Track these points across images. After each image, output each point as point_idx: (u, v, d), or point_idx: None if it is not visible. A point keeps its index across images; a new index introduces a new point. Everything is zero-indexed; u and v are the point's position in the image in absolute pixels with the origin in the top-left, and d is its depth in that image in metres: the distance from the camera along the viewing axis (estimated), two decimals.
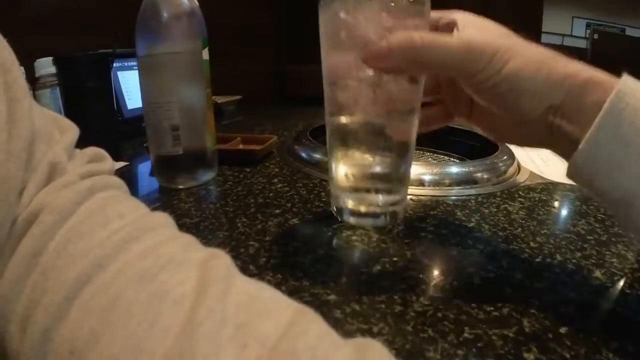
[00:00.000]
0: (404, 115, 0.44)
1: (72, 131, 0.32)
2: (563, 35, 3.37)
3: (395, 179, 0.47)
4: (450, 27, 0.39)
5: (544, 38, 2.50)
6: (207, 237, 0.46)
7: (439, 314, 0.34)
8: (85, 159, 0.31)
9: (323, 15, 0.44)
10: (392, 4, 0.40)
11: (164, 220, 0.28)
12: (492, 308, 0.35)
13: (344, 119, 0.44)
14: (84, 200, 0.26)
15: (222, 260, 0.25)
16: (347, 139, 0.45)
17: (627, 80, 0.31)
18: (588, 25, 3.46)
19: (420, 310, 0.35)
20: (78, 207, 0.26)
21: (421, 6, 0.40)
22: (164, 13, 0.55)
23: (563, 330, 0.33)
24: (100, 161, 0.32)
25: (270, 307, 0.23)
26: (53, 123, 0.31)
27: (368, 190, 0.47)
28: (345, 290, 0.37)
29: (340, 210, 0.49)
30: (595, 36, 2.19)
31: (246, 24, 2.22)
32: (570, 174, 0.35)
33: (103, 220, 0.25)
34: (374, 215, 0.48)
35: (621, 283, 0.40)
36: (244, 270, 0.39)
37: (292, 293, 0.36)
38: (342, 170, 0.46)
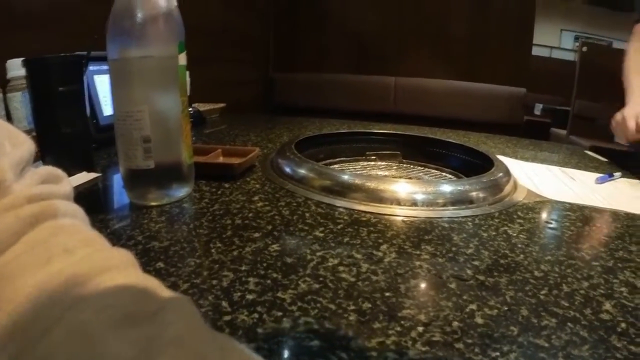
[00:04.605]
0: None
1: (26, 146, 0.27)
2: (552, 47, 3.41)
3: None
4: None
5: (534, 50, 2.51)
6: (176, 264, 0.41)
7: None
8: (37, 179, 0.27)
9: None
10: None
11: (120, 259, 0.24)
12: (497, 353, 0.31)
13: None
14: (27, 230, 0.22)
15: (179, 315, 0.20)
16: None
17: None
18: (576, 38, 3.50)
19: (418, 359, 0.30)
20: (18, 237, 0.22)
21: None
22: (137, 13, 0.51)
23: None
24: (56, 182, 0.28)
25: None
26: (5, 136, 0.27)
27: None
28: (330, 335, 0.32)
29: None
30: (584, 49, 2.19)
31: (232, 29, 2.18)
32: None
33: (45, 256, 0.21)
34: None
35: (634, 317, 0.36)
36: (216, 307, 0.35)
37: (270, 337, 0.31)
38: None
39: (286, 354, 0.30)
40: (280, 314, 0.34)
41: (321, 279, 0.40)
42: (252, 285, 0.38)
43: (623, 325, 0.35)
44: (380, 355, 0.30)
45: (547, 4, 2.85)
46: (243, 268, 0.41)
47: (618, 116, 0.94)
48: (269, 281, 0.39)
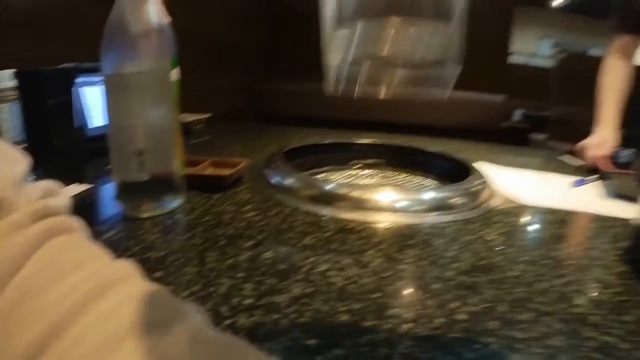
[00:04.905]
0: None
1: (23, 162, 0.28)
2: (530, 54, 3.48)
3: None
4: None
5: (513, 58, 2.57)
6: (174, 273, 0.43)
7: (426, 355, 0.32)
8: (37, 194, 0.27)
9: None
10: None
11: (127, 270, 0.25)
12: (479, 345, 0.34)
13: None
14: (37, 248, 0.23)
15: (191, 322, 0.22)
16: None
17: None
18: (554, 45, 3.58)
19: (407, 352, 0.33)
20: (28, 256, 0.23)
21: None
22: (132, 29, 0.52)
23: None
24: (54, 196, 0.29)
25: None
26: (2, 152, 0.28)
27: None
28: (325, 333, 0.35)
29: None
30: (562, 56, 2.26)
31: (218, 39, 2.18)
32: None
33: (58, 273, 0.22)
34: None
35: (605, 310, 0.39)
36: (216, 312, 0.37)
37: (268, 338, 0.34)
38: None
39: (286, 352, 0.33)
40: (277, 316, 0.36)
41: (313, 283, 0.42)
42: (249, 290, 0.40)
43: (594, 317, 0.38)
44: (373, 350, 0.33)
45: (526, 12, 2.93)
46: (239, 275, 0.43)
47: (580, 144, 1.03)
48: (264, 287, 0.41)
